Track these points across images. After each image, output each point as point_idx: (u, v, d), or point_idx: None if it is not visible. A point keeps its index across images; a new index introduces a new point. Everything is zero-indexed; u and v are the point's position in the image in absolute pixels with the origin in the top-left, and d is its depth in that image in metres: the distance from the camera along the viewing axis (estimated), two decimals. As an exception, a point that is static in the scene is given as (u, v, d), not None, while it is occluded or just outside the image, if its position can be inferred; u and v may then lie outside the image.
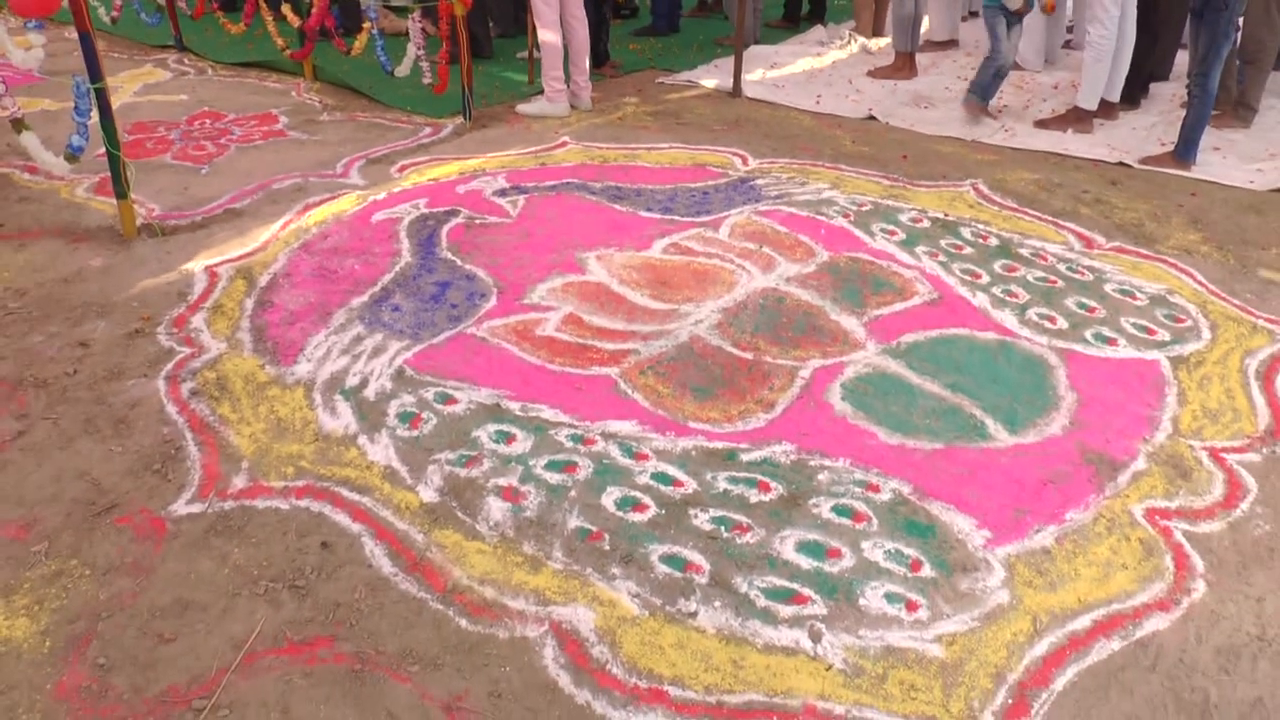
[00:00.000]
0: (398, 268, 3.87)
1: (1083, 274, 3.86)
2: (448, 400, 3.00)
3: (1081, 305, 3.62)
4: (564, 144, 5.29)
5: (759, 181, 4.73)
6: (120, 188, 4.16)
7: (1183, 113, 5.06)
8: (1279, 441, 2.91)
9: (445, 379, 3.11)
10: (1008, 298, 3.65)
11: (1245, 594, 2.33)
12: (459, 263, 3.90)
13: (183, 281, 3.82)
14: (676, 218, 4.31)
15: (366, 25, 6.06)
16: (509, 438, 2.82)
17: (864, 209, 4.40)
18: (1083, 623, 2.24)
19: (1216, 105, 5.45)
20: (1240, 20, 5.38)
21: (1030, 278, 3.81)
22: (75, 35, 4.02)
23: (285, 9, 6.41)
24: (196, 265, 3.94)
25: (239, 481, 2.67)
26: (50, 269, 3.95)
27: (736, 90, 6.18)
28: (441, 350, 3.28)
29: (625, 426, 2.88)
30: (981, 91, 5.61)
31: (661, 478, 2.66)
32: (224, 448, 2.81)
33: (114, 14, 7.62)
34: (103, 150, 4.11)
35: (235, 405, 3.02)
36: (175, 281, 3.82)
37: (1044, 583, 2.34)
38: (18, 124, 4.22)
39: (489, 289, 3.69)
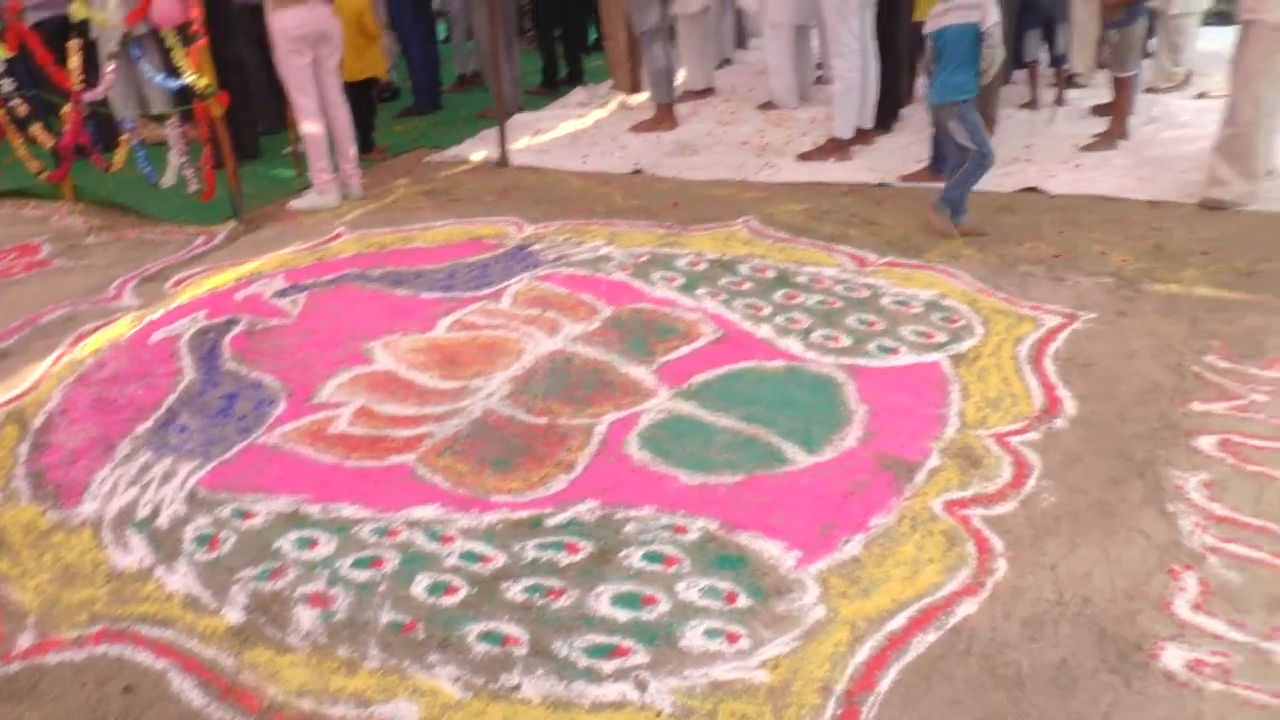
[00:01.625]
0: (181, 387, 3.77)
1: (859, 292, 4.11)
2: (246, 515, 2.94)
3: (861, 321, 3.85)
4: (339, 235, 5.28)
5: (536, 247, 4.84)
6: None
7: (932, 130, 5.47)
8: (1054, 417, 3.17)
9: (241, 494, 3.05)
10: (790, 325, 3.85)
11: (1041, 564, 2.52)
12: (244, 372, 3.84)
13: (-59, 437, 3.60)
14: (458, 294, 4.36)
15: (124, 137, 5.92)
16: (312, 543, 2.78)
17: (642, 260, 4.56)
18: (899, 622, 2.36)
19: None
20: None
21: (810, 303, 4.03)
22: None
23: (35, 129, 6.17)
24: (-42, 417, 3.72)
25: (25, 640, 2.53)
26: None
27: (504, 160, 6.32)
28: (234, 465, 3.22)
29: (428, 511, 2.89)
30: (955, 204, 4.75)
31: (469, 556, 2.67)
32: (5, 606, 2.66)
33: None
34: None
35: (15, 560, 2.86)
36: (-67, 439, 3.59)
37: (858, 590, 2.47)
38: None
39: (277, 394, 3.64)
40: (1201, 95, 6.60)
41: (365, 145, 6.78)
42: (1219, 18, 7.29)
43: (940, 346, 3.65)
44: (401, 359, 3.82)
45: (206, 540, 2.84)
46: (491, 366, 3.70)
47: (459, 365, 3.73)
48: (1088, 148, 5.84)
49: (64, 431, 3.55)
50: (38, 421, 3.64)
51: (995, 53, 4.55)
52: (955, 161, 4.75)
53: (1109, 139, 5.88)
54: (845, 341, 3.71)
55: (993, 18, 4.50)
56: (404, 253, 4.95)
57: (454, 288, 4.44)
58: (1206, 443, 2.98)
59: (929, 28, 4.67)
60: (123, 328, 4.37)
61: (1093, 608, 2.36)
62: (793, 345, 3.70)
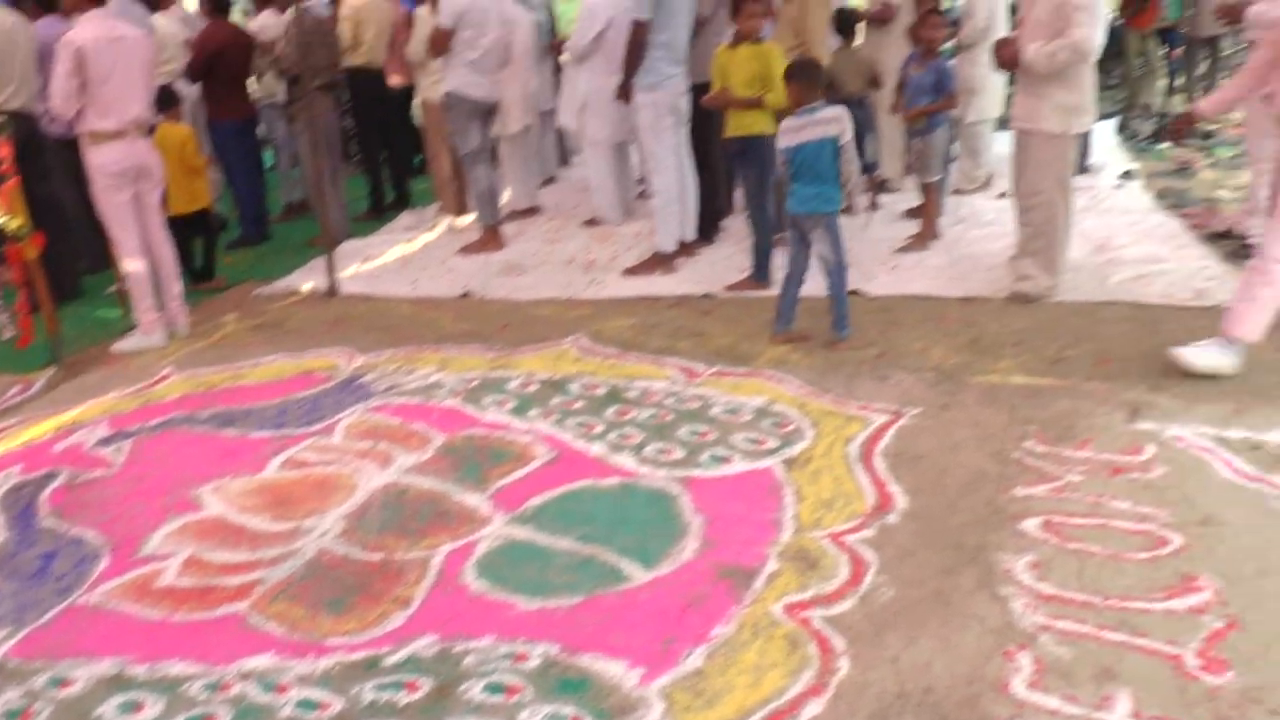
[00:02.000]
0: (-8, 550, 3.54)
1: (690, 403, 4.19)
2: (63, 684, 2.76)
3: (693, 432, 3.91)
4: (166, 376, 5.10)
5: (367, 378, 4.78)
6: None
7: (753, 240, 5.69)
8: (886, 512, 3.28)
9: (58, 660, 2.86)
10: (624, 441, 3.89)
11: (883, 658, 2.57)
12: (63, 528, 3.64)
13: None
14: (289, 431, 4.27)
15: (-71, 286, 5.63)
16: (137, 706, 2.64)
17: (473, 385, 4.55)
18: (745, 731, 2.37)
19: (782, 228, 6.18)
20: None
21: (642, 417, 4.08)
22: None
23: None
24: None
25: None
26: None
27: (333, 289, 6.27)
28: (50, 630, 3.03)
29: (262, 661, 2.77)
30: (785, 314, 4.93)
31: (306, 704, 2.58)
32: None
33: None
34: None
35: None
36: None
37: (702, 703, 2.46)
38: None
39: (99, 550, 3.46)
40: (1002, 195, 7.06)
41: (207, 273, 6.69)
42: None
43: (772, 452, 3.73)
44: (232, 503, 3.70)
45: (17, 715, 2.65)
46: (324, 504, 3.61)
47: (291, 505, 3.63)
48: (903, 249, 6.16)
49: None
50: None
51: (853, 166, 4.77)
52: (794, 270, 4.89)
53: (922, 240, 6.23)
54: (678, 454, 3.76)
55: (850, 132, 4.73)
56: (233, 391, 4.82)
57: (285, 425, 4.35)
58: (1031, 525, 3.13)
59: (784, 143, 4.81)
60: (-78, 491, 4.11)
61: (935, 696, 2.42)
62: (626, 461, 3.73)
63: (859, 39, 7.11)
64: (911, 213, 6.78)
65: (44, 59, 6.13)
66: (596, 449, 3.84)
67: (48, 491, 3.94)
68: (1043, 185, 5.03)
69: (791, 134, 4.81)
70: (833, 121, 4.72)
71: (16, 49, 6.29)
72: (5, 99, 6.20)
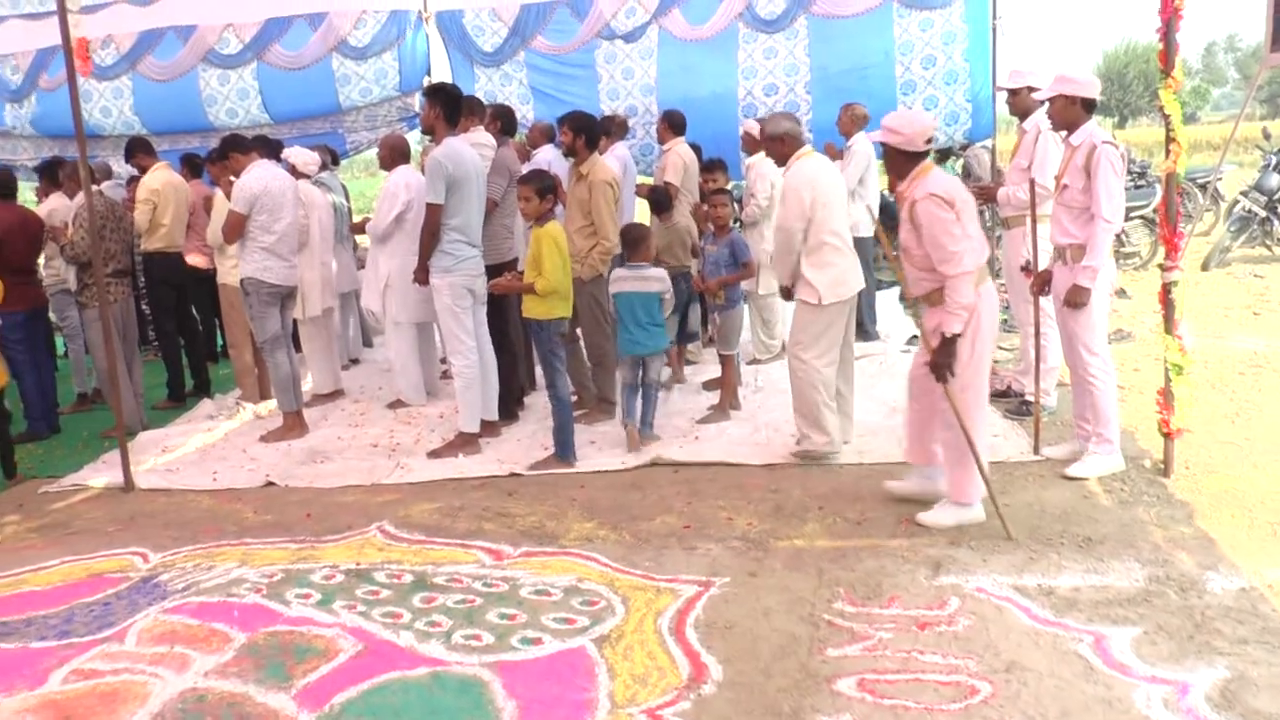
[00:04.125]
0: None
1: (498, 586, 4.23)
2: None
3: (503, 616, 3.95)
4: (-66, 588, 4.78)
5: (163, 577, 4.62)
6: None
7: (554, 422, 5.85)
8: (701, 684, 3.36)
9: None
10: (431, 629, 3.88)
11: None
12: None
13: None
14: (75, 639, 4.06)
15: None
16: None
17: (275, 579, 4.47)
18: None
19: (583, 404, 6.39)
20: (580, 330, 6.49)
21: (450, 603, 4.09)
22: None
23: None
24: None
25: None
26: None
27: (129, 484, 6.04)
28: None
29: None
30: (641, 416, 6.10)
31: None
32: None
33: None
34: None
35: None
36: None
37: None
38: None
39: None
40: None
41: (8, 472, 6.44)
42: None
43: (583, 630, 3.80)
44: (9, 722, 3.50)
45: None
46: (114, 717, 3.45)
47: (76, 720, 3.46)
48: (704, 420, 6.44)
49: None
50: None
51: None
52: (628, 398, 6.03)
53: (722, 410, 6.52)
54: (488, 638, 3.78)
55: (669, 288, 6.05)
56: (11, 599, 4.54)
57: (71, 633, 4.13)
58: (846, 685, 3.29)
59: (613, 289, 6.04)
60: None
61: None
62: (435, 649, 3.72)
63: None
64: (710, 384, 7.11)
65: None
66: (404, 638, 3.82)
67: None
68: (801, 347, 5.48)
69: (619, 283, 6.02)
70: (655, 280, 5.99)
71: None
72: None
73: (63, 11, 5.86)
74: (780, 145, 5.53)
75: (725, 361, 6.69)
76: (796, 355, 5.49)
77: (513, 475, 5.72)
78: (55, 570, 4.88)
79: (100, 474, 6.34)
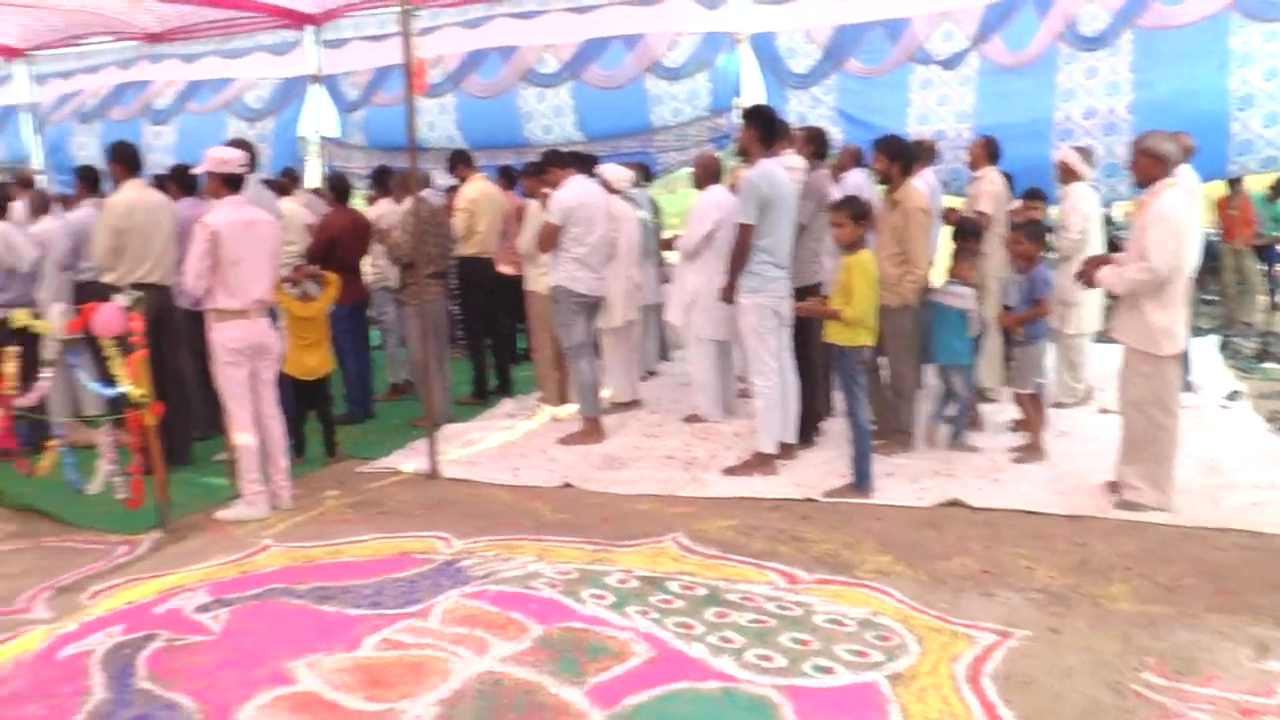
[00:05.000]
0: (89, 708, 3.65)
1: (791, 610, 4.17)
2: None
3: (795, 640, 3.89)
4: (266, 548, 5.24)
5: (464, 563, 4.85)
6: None
7: (852, 449, 5.74)
8: (997, 738, 3.19)
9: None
10: (723, 644, 3.87)
11: None
12: (159, 691, 3.73)
13: None
14: (385, 611, 4.34)
15: (53, 444, 5.92)
16: None
17: (571, 577, 4.60)
18: None
19: (880, 435, 6.24)
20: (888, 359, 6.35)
21: (742, 621, 4.07)
22: None
23: None
24: None
25: None
26: None
27: (434, 472, 6.41)
28: None
29: None
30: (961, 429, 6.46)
31: None
32: None
33: None
34: None
35: None
36: None
37: None
38: None
39: (193, 715, 3.55)
40: (1104, 411, 7.02)
41: (329, 450, 6.95)
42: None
43: (876, 666, 3.69)
44: (326, 679, 3.75)
45: None
46: (418, 688, 3.65)
47: (385, 686, 3.68)
48: (1013, 458, 6.14)
49: None
50: None
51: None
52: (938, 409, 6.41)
53: (1030, 452, 6.20)
54: (780, 661, 3.73)
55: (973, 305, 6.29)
56: (331, 567, 4.92)
57: (381, 604, 4.42)
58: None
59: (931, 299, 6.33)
60: (30, 642, 4.24)
61: None
62: (726, 665, 3.71)
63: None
64: (1016, 425, 6.77)
65: (182, 236, 6.60)
66: (696, 650, 3.83)
67: (146, 654, 4.05)
68: (1143, 400, 5.11)
69: (935, 293, 6.38)
70: (963, 297, 6.29)
71: (159, 227, 6.76)
72: (144, 273, 6.64)
73: (406, 35, 6.30)
74: (1153, 166, 5.09)
75: (1025, 401, 6.35)
76: (1137, 404, 5.13)
77: (808, 500, 5.64)
78: (368, 545, 5.22)
79: (410, 460, 6.75)
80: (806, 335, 6.41)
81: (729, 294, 6.19)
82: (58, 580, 4.98)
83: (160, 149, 12.59)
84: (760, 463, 6.10)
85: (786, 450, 6.26)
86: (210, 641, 4.15)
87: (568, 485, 6.12)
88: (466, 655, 3.87)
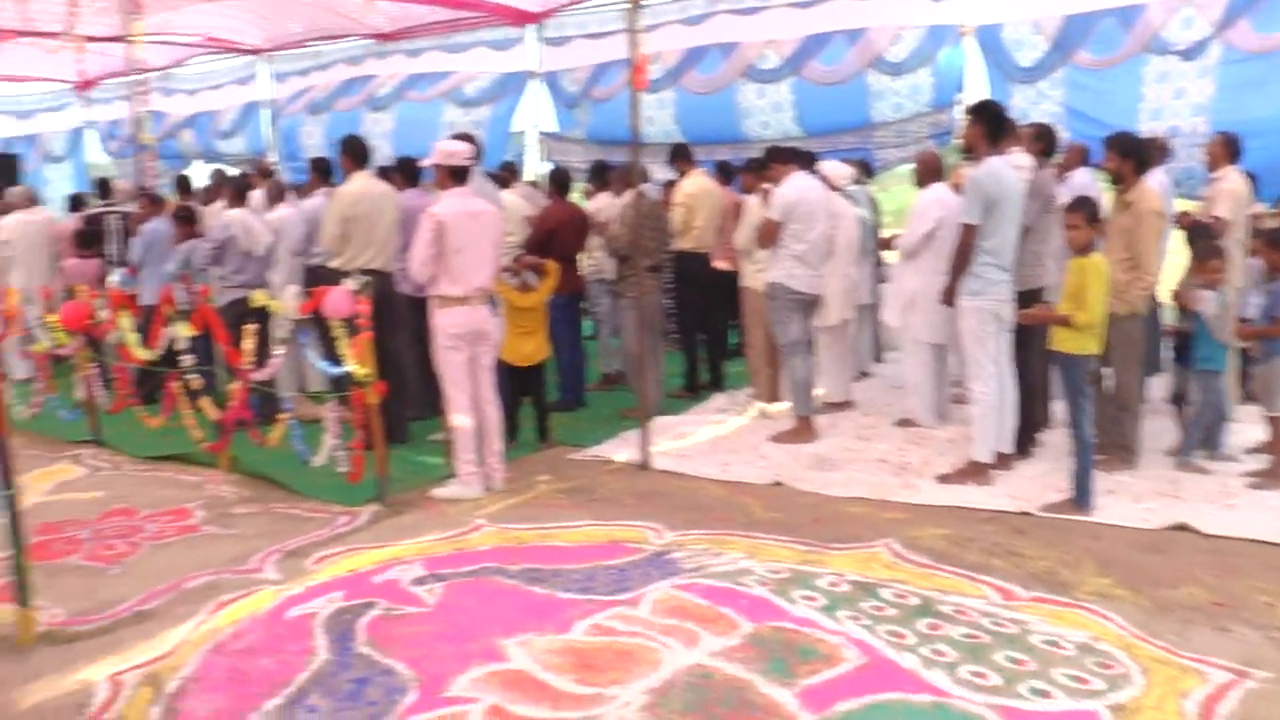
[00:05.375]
0: (313, 666, 3.91)
1: (1007, 627, 4.06)
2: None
3: (1011, 659, 3.79)
4: (479, 527, 5.47)
5: (675, 555, 4.93)
6: (24, 595, 4.24)
7: (1074, 462, 5.52)
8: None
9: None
10: (936, 656, 3.81)
11: None
12: (377, 657, 3.96)
13: (82, 692, 3.81)
14: (596, 597, 4.46)
15: (283, 416, 6.36)
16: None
17: (782, 576, 4.61)
18: None
19: (1102, 450, 5.98)
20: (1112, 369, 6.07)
21: (955, 635, 4.00)
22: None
23: (204, 402, 6.78)
24: (99, 674, 3.94)
25: None
26: None
27: (645, 463, 6.53)
28: None
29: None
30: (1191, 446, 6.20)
31: None
32: None
33: (33, 411, 7.99)
34: (3, 555, 4.25)
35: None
36: (74, 693, 3.80)
37: None
38: None
39: (408, 683, 3.74)
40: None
41: (542, 435, 7.18)
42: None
43: (1097, 694, 3.56)
44: (537, 659, 3.89)
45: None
46: (627, 675, 3.74)
47: (595, 670, 3.78)
48: (1250, 484, 5.78)
49: (195, 699, 3.72)
50: (172, 686, 3.82)
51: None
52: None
53: (1270, 478, 5.82)
54: (995, 679, 3.65)
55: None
56: (543, 550, 5.09)
57: (592, 590, 4.54)
58: None
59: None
60: (262, 601, 4.59)
61: None
62: (939, 679, 3.65)
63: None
64: (1261, 449, 6.34)
65: (405, 225, 6.93)
66: (908, 660, 3.79)
67: (365, 620, 4.31)
68: None
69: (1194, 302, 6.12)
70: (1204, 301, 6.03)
71: (383, 216, 7.12)
72: (368, 259, 7.00)
73: (633, 31, 6.41)
74: None
75: (1274, 423, 5.95)
76: None
77: (1023, 514, 5.47)
78: (580, 531, 5.37)
79: (620, 450, 6.89)
80: (1027, 341, 6.19)
81: (949, 296, 6.04)
82: (285, 544, 5.35)
83: (379, 136, 13.24)
84: (975, 471, 5.95)
85: (1002, 460, 6.08)
86: (425, 613, 4.37)
87: (778, 483, 6.12)
88: (676, 647, 3.94)
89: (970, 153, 6.43)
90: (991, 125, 5.91)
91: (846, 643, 3.94)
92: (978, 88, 10.14)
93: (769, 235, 6.95)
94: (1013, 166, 6.15)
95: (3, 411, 4.20)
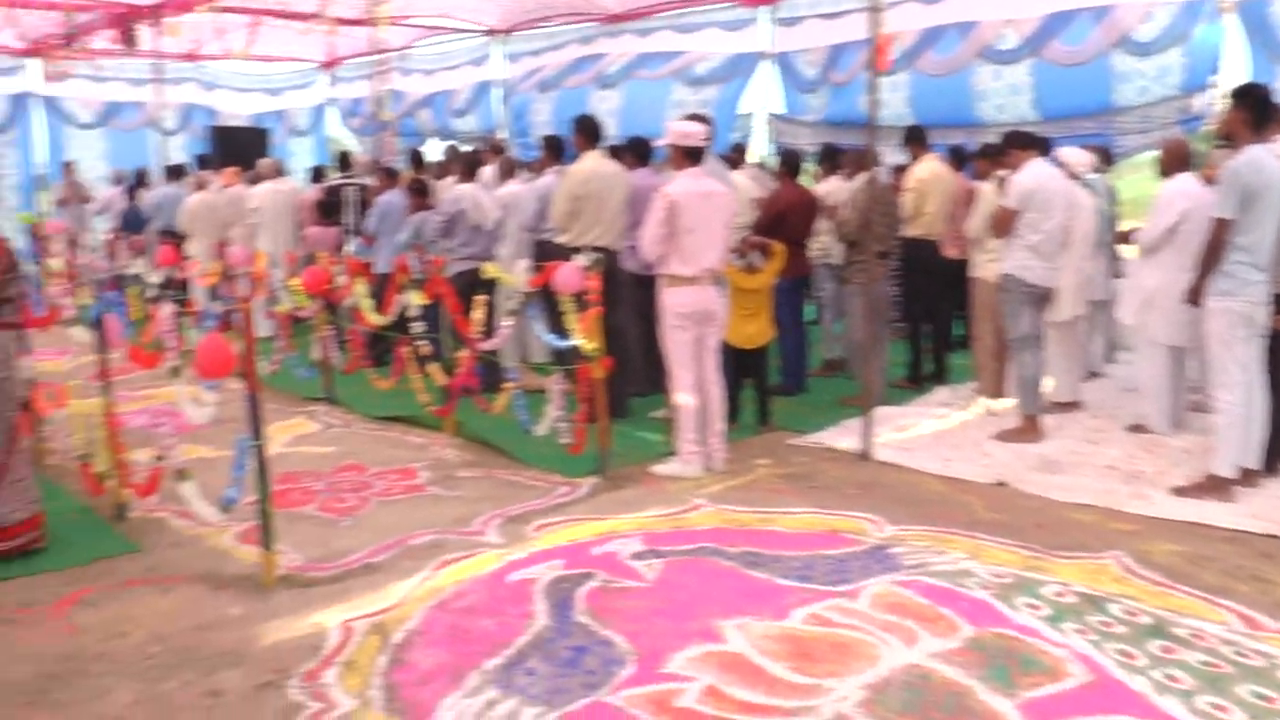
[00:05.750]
0: (533, 630, 4.09)
1: (1252, 659, 3.83)
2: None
3: (1257, 695, 3.57)
4: (698, 506, 5.57)
5: (895, 549, 4.90)
6: (267, 539, 4.62)
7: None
8: None
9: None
10: (1170, 682, 3.65)
11: None
12: (595, 627, 4.11)
13: (317, 635, 4.11)
14: (814, 586, 4.49)
15: (508, 385, 6.66)
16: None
17: (1005, 581, 4.51)
18: None
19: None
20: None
21: (1192, 661, 3.81)
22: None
23: (432, 368, 7.17)
24: (331, 619, 4.25)
25: None
26: (191, 615, 4.34)
27: (866, 453, 6.48)
28: (576, 718, 3.45)
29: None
30: None
31: None
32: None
33: (273, 368, 8.65)
34: (250, 499, 4.63)
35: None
36: (310, 635, 4.11)
37: None
38: (182, 473, 4.92)
39: (625, 656, 3.87)
40: None
41: (763, 418, 7.22)
42: None
43: (1357, 743, 3.34)
44: (754, 643, 3.95)
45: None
46: (844, 668, 3.75)
47: (811, 660, 3.81)
48: None
49: (419, 652, 3.95)
50: (397, 637, 4.08)
51: None
52: None
53: None
54: (1237, 715, 3.46)
55: None
56: (762, 534, 5.14)
57: (811, 579, 4.57)
58: None
59: None
60: (484, 563, 4.83)
61: None
62: (1173, 706, 3.50)
63: None
64: None
65: (634, 204, 7.08)
66: (1138, 683, 3.65)
67: (584, 590, 4.47)
68: None
69: None
70: None
71: (612, 195, 7.28)
72: (595, 237, 7.18)
73: (875, 11, 6.31)
74: None
75: None
76: None
77: (1270, 536, 5.12)
78: (799, 517, 5.39)
79: (841, 438, 6.85)
80: (1280, 348, 5.82)
81: (1195, 296, 5.69)
82: (507, 510, 5.58)
83: (606, 113, 13.40)
84: (1215, 486, 5.62)
85: (1247, 476, 5.71)
86: (644, 589, 4.50)
87: (1001, 483, 5.96)
88: (895, 644, 3.93)
89: (1228, 140, 6.03)
90: (1256, 111, 5.51)
91: (1072, 657, 3.83)
92: (1236, 69, 9.48)
93: (1004, 224, 6.74)
94: (1276, 156, 5.75)
95: (254, 369, 4.59)
